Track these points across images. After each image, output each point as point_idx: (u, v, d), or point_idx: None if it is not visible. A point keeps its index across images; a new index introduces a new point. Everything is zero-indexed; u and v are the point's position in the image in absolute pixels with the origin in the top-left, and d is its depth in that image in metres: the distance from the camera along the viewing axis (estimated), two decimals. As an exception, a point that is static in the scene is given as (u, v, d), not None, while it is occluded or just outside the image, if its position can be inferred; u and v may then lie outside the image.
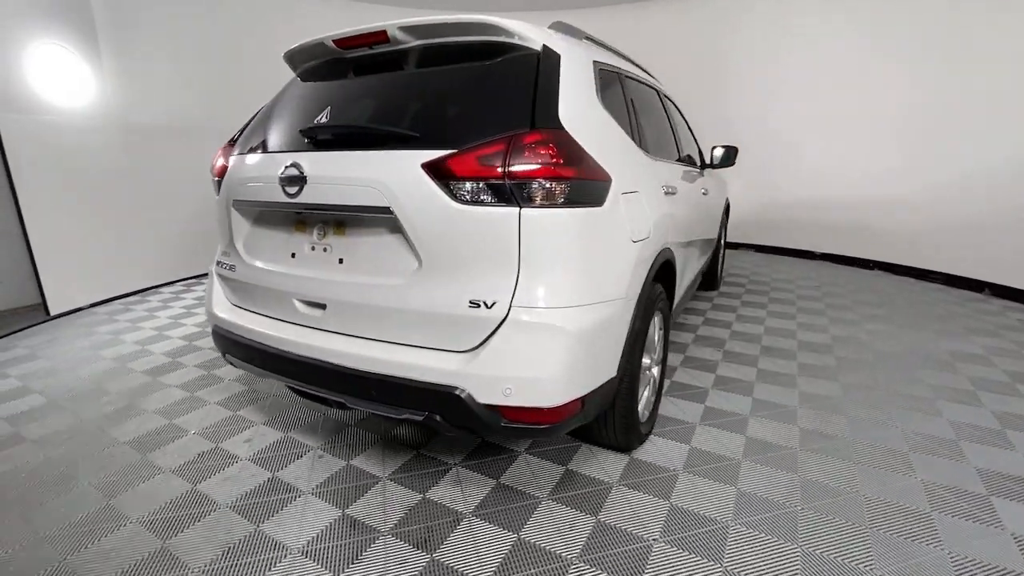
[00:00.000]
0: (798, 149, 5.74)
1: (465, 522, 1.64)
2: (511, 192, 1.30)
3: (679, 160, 2.77)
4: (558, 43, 1.62)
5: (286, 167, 1.52)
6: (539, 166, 1.30)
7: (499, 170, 1.29)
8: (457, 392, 1.36)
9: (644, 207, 1.74)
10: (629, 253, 1.60)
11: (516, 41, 1.51)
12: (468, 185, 1.31)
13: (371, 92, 1.63)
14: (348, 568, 1.46)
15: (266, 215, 1.75)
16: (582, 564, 1.47)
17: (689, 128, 3.46)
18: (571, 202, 1.37)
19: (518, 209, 1.30)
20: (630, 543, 1.56)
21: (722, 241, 4.37)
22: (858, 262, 5.49)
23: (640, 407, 1.99)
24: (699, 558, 1.50)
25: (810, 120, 5.58)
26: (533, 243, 1.32)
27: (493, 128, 1.34)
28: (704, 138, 3.92)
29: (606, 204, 1.49)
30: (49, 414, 2.42)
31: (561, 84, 1.50)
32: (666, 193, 2.13)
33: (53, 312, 3.90)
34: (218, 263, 1.90)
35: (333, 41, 1.70)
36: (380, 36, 1.60)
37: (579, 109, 1.55)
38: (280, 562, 1.49)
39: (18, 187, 3.62)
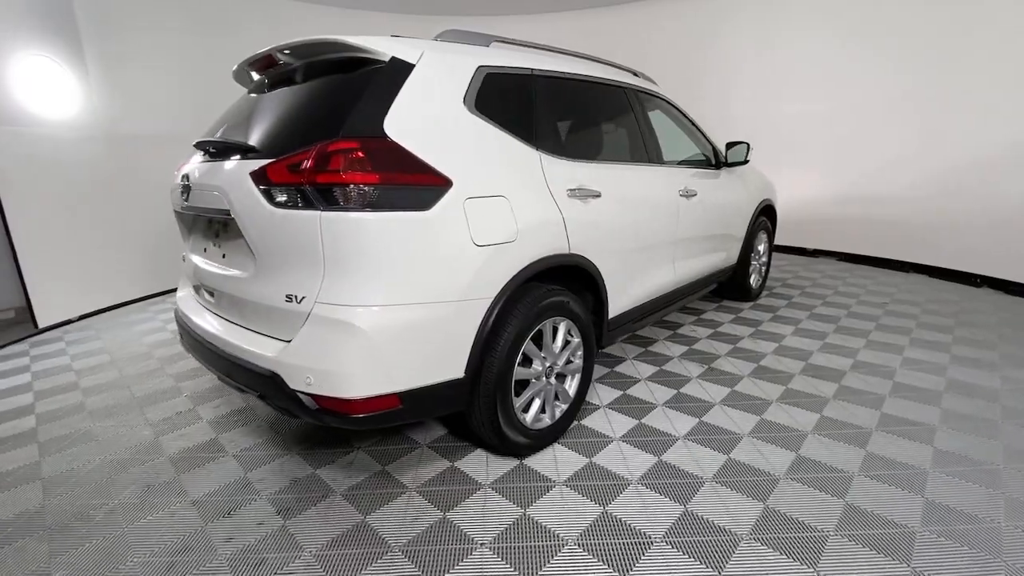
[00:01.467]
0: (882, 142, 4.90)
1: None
2: (314, 197, 1.41)
3: (653, 162, 2.60)
4: (426, 53, 1.68)
5: (181, 177, 1.81)
6: (340, 173, 1.40)
7: (304, 176, 1.41)
8: (275, 377, 1.51)
9: (509, 211, 1.73)
10: (469, 256, 1.61)
11: (366, 55, 1.61)
12: (281, 190, 1.45)
13: (259, 107, 1.84)
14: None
15: (183, 218, 2.07)
16: (397, 553, 1.54)
17: (695, 127, 3.19)
18: (378, 206, 1.44)
19: (320, 213, 1.41)
20: (457, 543, 1.59)
21: (758, 246, 3.93)
22: (963, 276, 4.52)
23: (531, 414, 1.97)
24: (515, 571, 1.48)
25: (887, 110, 4.75)
26: (335, 244, 1.42)
27: (314, 137, 1.47)
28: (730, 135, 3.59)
29: (435, 208, 1.53)
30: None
31: (402, 93, 1.57)
32: (583, 197, 2.05)
33: (42, 325, 3.85)
34: (183, 257, 2.27)
35: (247, 64, 1.95)
36: (268, 59, 1.81)
37: (425, 115, 1.61)
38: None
39: (5, 201, 3.57)
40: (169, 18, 4.63)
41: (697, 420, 2.29)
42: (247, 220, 1.54)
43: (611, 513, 1.71)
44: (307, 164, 1.41)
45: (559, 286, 2.01)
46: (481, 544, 1.59)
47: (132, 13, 4.39)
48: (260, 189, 1.48)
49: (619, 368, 2.85)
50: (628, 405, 2.44)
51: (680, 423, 2.26)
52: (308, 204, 1.42)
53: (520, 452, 2.00)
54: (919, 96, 4.64)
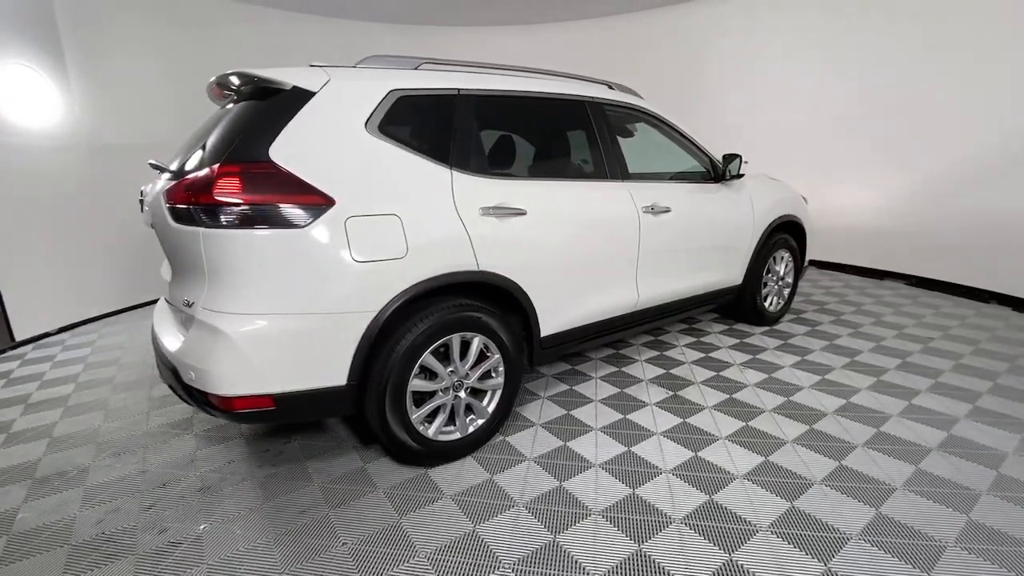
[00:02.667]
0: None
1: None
2: (197, 215, 1.60)
3: (610, 177, 2.52)
4: (332, 81, 1.82)
5: (139, 193, 2.11)
6: (219, 194, 1.57)
7: (191, 197, 1.60)
8: (174, 370, 1.73)
9: (399, 229, 1.80)
10: (348, 272, 1.70)
11: (273, 85, 1.78)
12: (179, 208, 1.66)
13: (200, 130, 2.06)
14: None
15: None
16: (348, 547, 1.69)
17: (687, 140, 3.01)
18: (253, 224, 1.59)
19: (201, 229, 1.60)
20: (326, 539, 1.70)
21: (777, 266, 3.58)
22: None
23: (434, 426, 2.02)
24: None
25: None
26: (212, 257, 1.60)
27: (211, 161, 1.66)
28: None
29: (313, 226, 1.65)
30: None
31: (296, 119, 1.72)
32: (502, 215, 2.06)
33: (19, 338, 3.77)
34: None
35: (207, 88, 2.19)
36: (216, 88, 2.04)
37: (318, 139, 1.74)
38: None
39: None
40: (152, 28, 4.60)
41: (625, 449, 2.18)
42: (161, 233, 1.77)
43: (477, 532, 1.72)
44: (195, 185, 1.60)
45: (476, 302, 2.04)
46: (343, 544, 1.68)
47: (114, 23, 4.35)
48: (166, 206, 1.70)
49: (580, 387, 2.78)
50: (564, 426, 2.39)
51: (606, 450, 2.18)
52: (194, 221, 1.61)
53: (425, 462, 2.06)
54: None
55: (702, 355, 3.18)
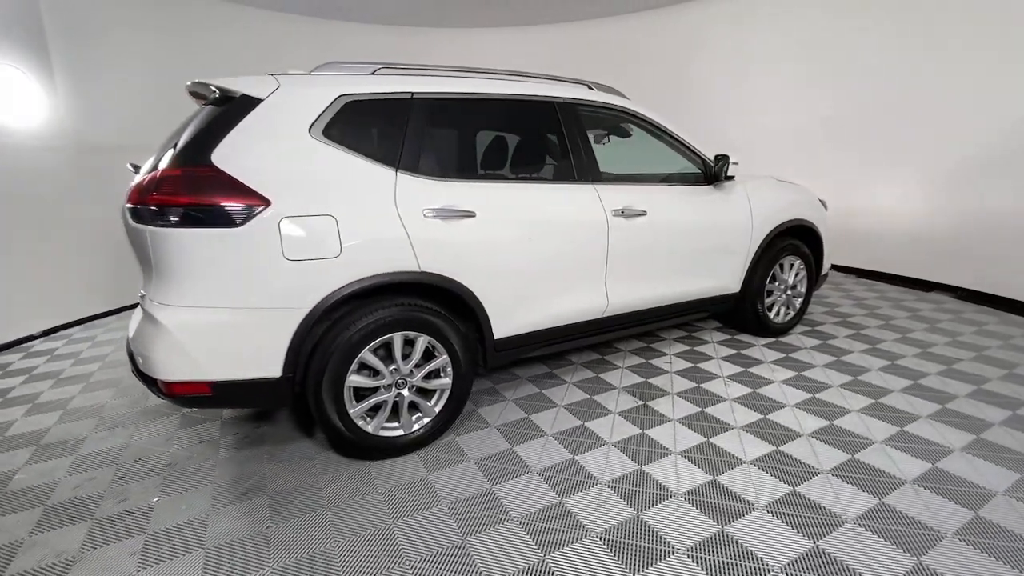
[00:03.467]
0: None
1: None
2: (146, 214, 1.74)
3: (576, 180, 2.47)
4: (281, 88, 1.91)
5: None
6: (162, 195, 1.71)
7: (140, 197, 1.75)
8: (131, 355, 1.89)
9: (334, 230, 1.86)
10: (280, 270, 1.79)
11: (225, 93, 1.90)
12: (134, 208, 1.81)
13: (175, 134, 2.21)
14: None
15: None
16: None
17: (678, 141, 2.88)
18: (192, 223, 1.71)
19: (148, 227, 1.74)
20: (250, 518, 1.81)
21: (785, 274, 3.35)
22: None
23: (375, 422, 2.09)
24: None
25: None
26: (157, 253, 1.74)
27: (163, 164, 1.80)
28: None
29: (247, 225, 1.75)
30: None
31: (241, 125, 1.82)
32: (448, 217, 2.08)
33: (0, 341, 3.74)
34: None
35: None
36: (191, 96, 2.19)
37: (260, 144, 1.84)
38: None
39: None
40: (139, 30, 4.61)
41: (570, 457, 2.14)
42: (126, 229, 1.94)
43: (392, 528, 1.76)
44: (144, 187, 1.75)
45: (421, 302, 2.08)
46: (268, 527, 1.78)
47: (101, 23, 4.34)
48: (127, 206, 1.86)
49: (550, 391, 2.75)
50: (518, 430, 2.38)
51: (550, 457, 2.15)
52: (144, 220, 1.76)
53: (365, 455, 2.13)
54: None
55: (689, 365, 3.04)
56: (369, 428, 2.08)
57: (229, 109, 1.86)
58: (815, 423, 2.36)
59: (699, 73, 6.06)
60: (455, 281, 2.12)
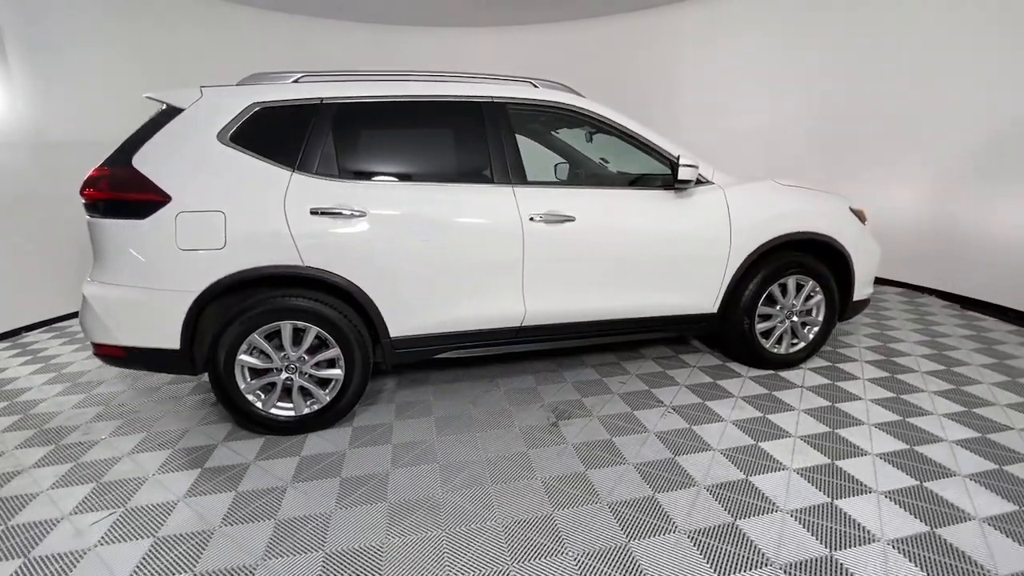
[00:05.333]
0: None
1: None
2: (84, 206, 2.14)
3: (493, 182, 2.40)
4: (202, 98, 2.20)
5: None
6: (90, 191, 2.08)
7: (80, 191, 2.14)
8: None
9: (221, 224, 2.09)
10: (173, 257, 2.07)
11: (160, 102, 2.23)
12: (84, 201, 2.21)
13: None
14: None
15: None
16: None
17: (642, 143, 2.61)
18: (110, 215, 2.07)
19: (86, 216, 2.14)
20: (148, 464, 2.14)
21: (790, 298, 2.82)
22: None
23: (271, 400, 2.29)
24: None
25: None
26: (91, 238, 2.13)
27: (102, 164, 2.19)
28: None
29: (150, 218, 2.06)
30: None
31: (162, 131, 2.14)
32: (337, 215, 2.19)
33: None
34: None
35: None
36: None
37: (173, 148, 2.13)
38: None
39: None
40: (101, 21, 4.37)
41: (386, 469, 2.12)
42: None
43: (240, 491, 1.94)
44: (83, 183, 2.14)
45: (311, 295, 2.23)
46: (178, 499, 2.09)
47: (61, 14, 4.11)
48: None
49: (475, 394, 2.72)
50: (405, 415, 2.41)
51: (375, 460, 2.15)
52: (87, 211, 2.16)
53: (257, 430, 2.35)
54: None
55: (643, 388, 2.74)
56: (259, 404, 2.29)
57: (158, 117, 2.19)
58: (726, 475, 1.99)
59: (689, 73, 5.88)
60: (340, 276, 2.23)
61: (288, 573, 1.56)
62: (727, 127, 5.61)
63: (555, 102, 2.56)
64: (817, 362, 3.04)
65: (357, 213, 2.22)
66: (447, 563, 1.58)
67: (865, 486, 1.90)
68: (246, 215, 2.14)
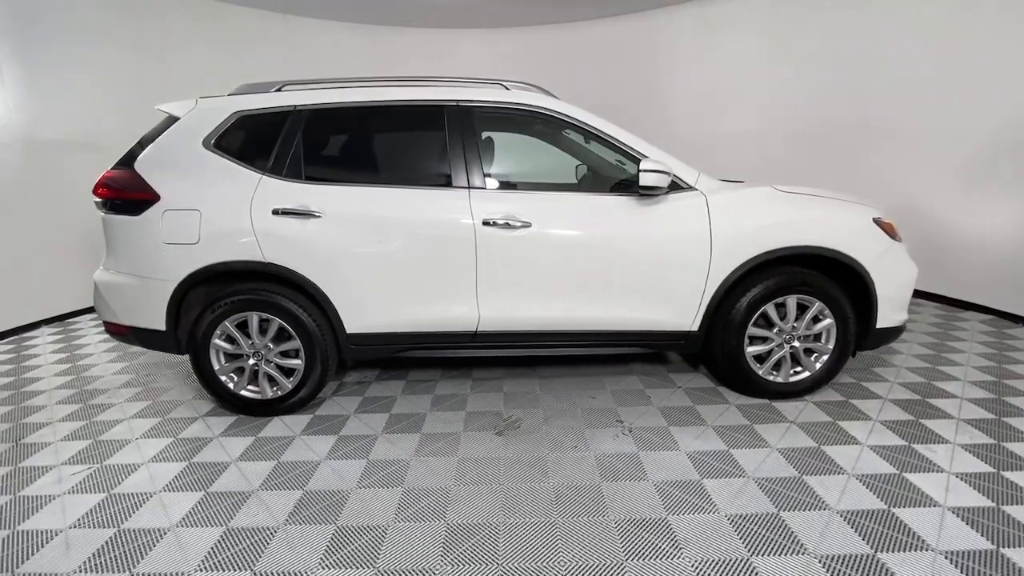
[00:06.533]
0: None
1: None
2: (96, 204, 2.49)
3: (446, 185, 2.41)
4: (195, 108, 2.46)
5: None
6: (100, 190, 2.43)
7: (93, 190, 2.50)
8: None
9: (197, 222, 2.33)
10: (158, 250, 2.35)
11: (168, 113, 2.53)
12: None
13: None
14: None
15: None
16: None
17: (614, 146, 2.46)
18: (115, 211, 2.40)
19: (100, 212, 2.50)
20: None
21: (789, 320, 2.49)
22: None
23: (241, 383, 2.52)
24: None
25: None
26: (104, 232, 2.48)
27: (115, 167, 2.53)
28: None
29: (143, 215, 2.36)
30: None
31: (161, 138, 2.44)
32: (296, 216, 2.34)
33: None
34: None
35: None
36: None
37: (167, 153, 2.42)
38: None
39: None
40: (93, 21, 4.35)
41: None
42: None
43: (192, 461, 2.17)
44: (96, 182, 2.49)
45: (276, 289, 2.41)
46: (143, 463, 2.40)
47: (53, 10, 4.09)
48: None
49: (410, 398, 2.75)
50: (328, 421, 2.51)
51: (319, 445, 2.24)
52: (97, 208, 2.52)
53: (229, 408, 2.59)
54: None
55: (611, 406, 2.58)
56: (230, 386, 2.52)
57: (160, 125, 2.49)
58: (649, 510, 1.82)
59: (685, 75, 5.79)
60: (297, 273, 2.38)
61: (193, 537, 1.72)
62: (724, 131, 5.48)
63: (524, 104, 2.50)
64: (827, 395, 2.65)
65: (315, 214, 2.36)
66: (327, 559, 1.64)
67: (803, 551, 1.63)
68: (219, 214, 2.36)
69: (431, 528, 1.75)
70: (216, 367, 2.50)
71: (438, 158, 2.47)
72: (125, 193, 2.40)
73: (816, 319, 2.52)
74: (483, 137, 2.61)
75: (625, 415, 2.50)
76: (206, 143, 2.43)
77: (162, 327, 2.47)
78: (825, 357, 2.57)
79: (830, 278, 2.49)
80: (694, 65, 5.68)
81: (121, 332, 2.56)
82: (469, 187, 2.42)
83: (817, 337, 2.56)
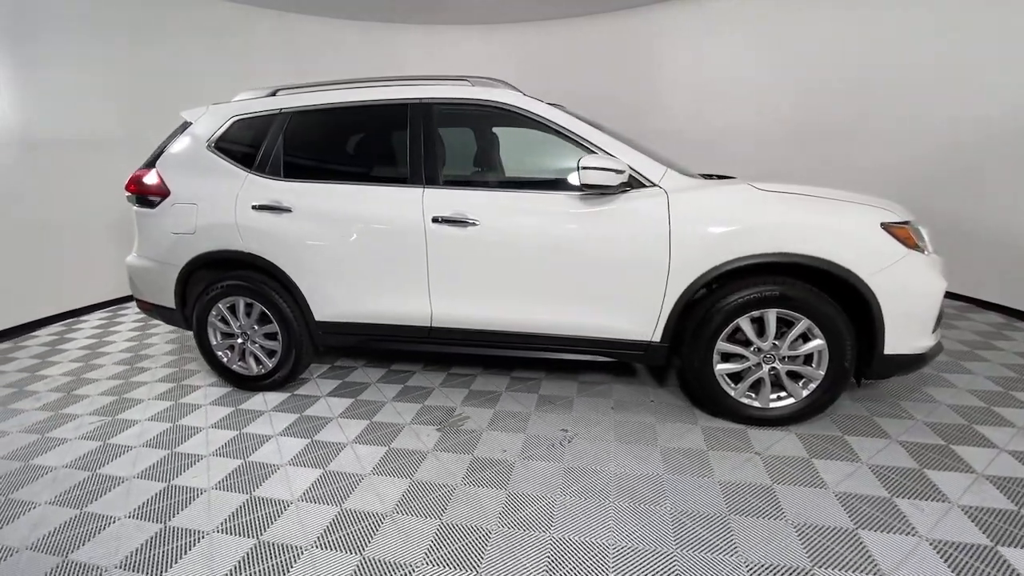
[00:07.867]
0: None
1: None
2: (128, 198, 2.93)
3: (403, 182, 2.47)
4: (205, 114, 2.79)
5: None
6: (130, 185, 2.85)
7: (125, 186, 2.93)
8: None
9: (194, 214, 2.64)
10: (168, 238, 2.70)
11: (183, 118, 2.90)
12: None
13: None
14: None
15: None
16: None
17: (576, 143, 2.33)
18: (141, 205, 2.81)
19: (132, 206, 2.93)
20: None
21: (759, 339, 2.17)
22: None
23: (232, 360, 2.82)
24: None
25: None
26: (135, 223, 2.92)
27: (153, 167, 2.96)
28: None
29: (158, 208, 2.73)
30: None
31: (176, 141, 2.81)
32: (271, 210, 2.55)
33: None
34: None
35: None
36: None
37: (179, 154, 2.77)
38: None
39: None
40: (88, 18, 4.30)
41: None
42: None
43: (176, 423, 2.49)
44: (128, 179, 2.93)
45: (257, 276, 2.66)
46: (141, 420, 2.80)
47: (45, 13, 4.03)
48: None
49: (410, 382, 2.84)
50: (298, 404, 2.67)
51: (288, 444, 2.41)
52: (128, 201, 2.95)
53: (236, 384, 2.90)
54: None
55: (523, 409, 2.47)
56: (224, 362, 2.83)
57: (178, 129, 2.86)
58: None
59: (678, 72, 5.73)
60: (271, 262, 2.60)
61: (141, 490, 1.99)
62: (721, 125, 5.41)
63: (484, 100, 2.45)
64: (821, 426, 2.27)
65: (286, 208, 2.55)
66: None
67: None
68: (211, 208, 2.66)
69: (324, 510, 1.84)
70: (213, 343, 2.83)
71: (399, 156, 2.54)
72: (148, 188, 2.80)
73: (805, 338, 2.18)
74: (491, 132, 2.65)
75: (572, 424, 2.38)
76: (208, 145, 2.74)
77: (173, 305, 2.85)
78: (814, 384, 2.21)
79: (825, 292, 2.13)
80: (691, 61, 5.59)
81: (147, 308, 3.00)
82: (424, 184, 2.45)
83: (808, 359, 2.21)
